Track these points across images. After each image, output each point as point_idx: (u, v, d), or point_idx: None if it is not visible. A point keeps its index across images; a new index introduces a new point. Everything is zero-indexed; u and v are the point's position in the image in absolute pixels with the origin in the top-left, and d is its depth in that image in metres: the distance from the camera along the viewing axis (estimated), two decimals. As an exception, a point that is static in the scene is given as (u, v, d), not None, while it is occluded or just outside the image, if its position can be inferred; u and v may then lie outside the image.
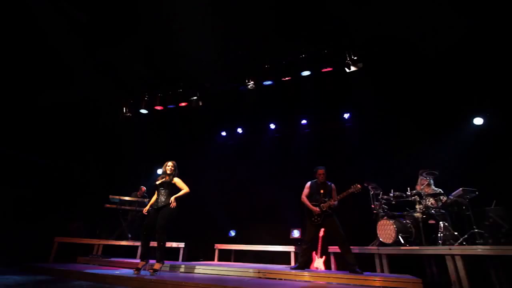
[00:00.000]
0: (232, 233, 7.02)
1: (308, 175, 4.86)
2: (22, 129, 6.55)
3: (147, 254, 3.98)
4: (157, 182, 4.19)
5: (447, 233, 4.11)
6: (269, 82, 5.31)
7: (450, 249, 3.54)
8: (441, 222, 4.24)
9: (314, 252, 5.40)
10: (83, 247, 6.09)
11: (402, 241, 4.31)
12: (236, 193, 7.61)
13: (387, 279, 3.13)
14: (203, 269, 4.29)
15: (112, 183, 7.65)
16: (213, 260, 6.31)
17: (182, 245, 5.96)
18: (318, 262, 5.28)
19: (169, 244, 5.95)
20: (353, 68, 4.78)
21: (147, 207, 4.21)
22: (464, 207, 4.17)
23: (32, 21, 4.93)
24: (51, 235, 5.70)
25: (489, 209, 3.84)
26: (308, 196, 4.40)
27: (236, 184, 7.69)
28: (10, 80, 5.87)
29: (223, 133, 8.61)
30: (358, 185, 4.04)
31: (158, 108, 6.30)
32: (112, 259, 5.34)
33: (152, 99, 6.48)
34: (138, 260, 5.66)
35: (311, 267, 5.26)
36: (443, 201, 4.49)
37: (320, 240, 5.36)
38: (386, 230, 4.57)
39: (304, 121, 7.50)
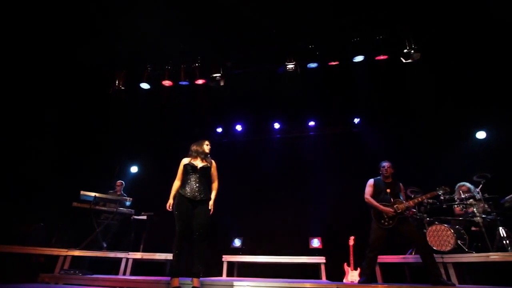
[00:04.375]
0: (237, 242, 5.91)
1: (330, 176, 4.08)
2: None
3: (183, 266, 2.80)
4: (191, 163, 3.05)
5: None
6: (314, 65, 4.65)
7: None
8: (501, 228, 3.98)
9: (345, 264, 4.75)
10: (42, 259, 4.35)
11: (466, 249, 3.93)
12: (242, 198, 6.56)
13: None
14: (248, 286, 3.21)
15: (75, 176, 5.90)
16: (219, 275, 5.10)
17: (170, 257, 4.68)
18: (353, 275, 4.58)
19: (155, 256, 4.56)
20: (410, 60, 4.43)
21: (172, 196, 3.03)
22: (523, 212, 4.01)
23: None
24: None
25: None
26: (372, 196, 3.74)
27: (241, 188, 6.65)
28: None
29: (219, 130, 7.64)
30: (447, 188, 3.57)
31: (166, 83, 5.04)
32: (97, 276, 3.82)
33: (156, 72, 5.21)
34: (134, 277, 4.10)
35: (345, 280, 4.56)
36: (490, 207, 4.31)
37: (351, 250, 4.74)
38: (441, 236, 4.14)
39: (311, 123, 7.07)
